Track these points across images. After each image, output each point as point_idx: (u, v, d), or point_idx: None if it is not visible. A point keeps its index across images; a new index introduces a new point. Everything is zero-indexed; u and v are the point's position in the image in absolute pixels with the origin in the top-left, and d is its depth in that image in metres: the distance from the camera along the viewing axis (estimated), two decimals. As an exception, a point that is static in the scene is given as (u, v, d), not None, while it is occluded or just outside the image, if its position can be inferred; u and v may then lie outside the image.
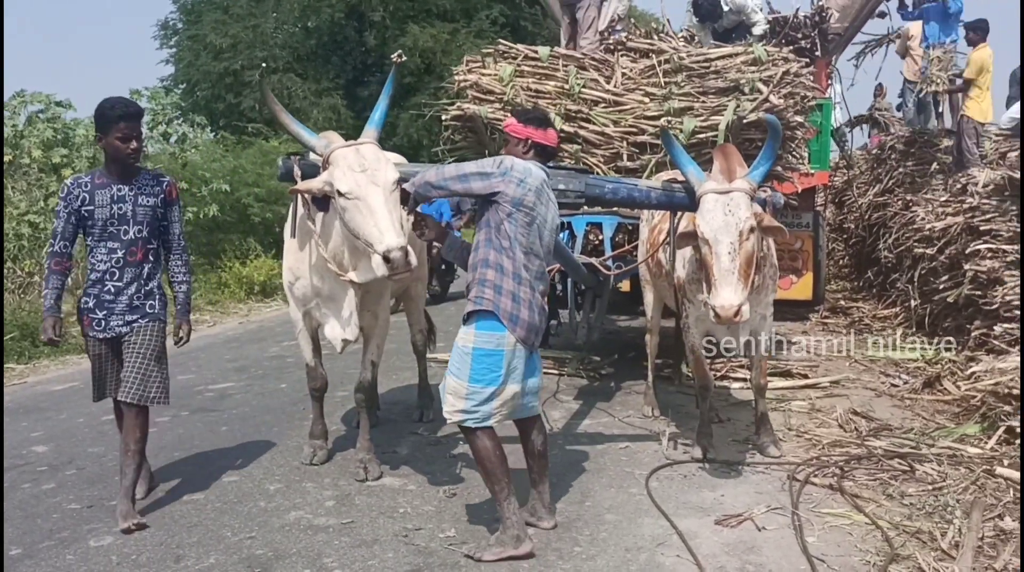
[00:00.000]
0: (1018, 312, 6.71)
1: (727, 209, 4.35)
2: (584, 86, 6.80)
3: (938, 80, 10.39)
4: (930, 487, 4.62)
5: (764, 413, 5.38)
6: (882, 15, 11.73)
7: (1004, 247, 7.27)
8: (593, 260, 6.19)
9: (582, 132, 6.73)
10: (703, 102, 6.57)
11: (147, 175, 4.42)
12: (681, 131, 6.36)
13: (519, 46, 7.23)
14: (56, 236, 4.27)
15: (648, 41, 7.51)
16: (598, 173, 6.39)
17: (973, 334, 7.09)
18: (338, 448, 5.46)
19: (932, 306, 8.26)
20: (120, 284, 4.28)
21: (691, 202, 4.64)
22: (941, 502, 4.35)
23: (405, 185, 4.11)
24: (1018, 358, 5.96)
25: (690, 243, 4.70)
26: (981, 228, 7.61)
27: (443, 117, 7.07)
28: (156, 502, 4.60)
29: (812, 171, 8.73)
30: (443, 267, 11.69)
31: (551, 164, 4.30)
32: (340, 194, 4.02)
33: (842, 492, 4.58)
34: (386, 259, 3.87)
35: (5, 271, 10.07)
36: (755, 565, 3.80)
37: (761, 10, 9.09)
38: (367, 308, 4.84)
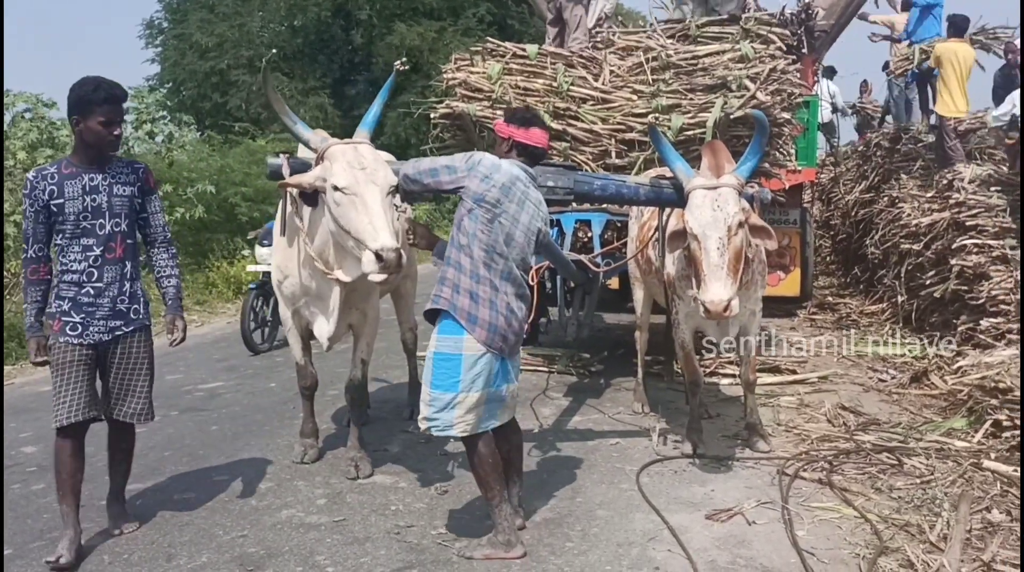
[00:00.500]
0: (1004, 306, 6.77)
1: (715, 204, 4.37)
2: (572, 84, 6.82)
3: (897, 69, 10.61)
4: (918, 480, 4.66)
5: (753, 408, 5.41)
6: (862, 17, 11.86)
7: (990, 242, 7.34)
8: (582, 257, 6.20)
9: (570, 130, 6.74)
10: (691, 99, 6.59)
11: (120, 163, 4.02)
12: (669, 128, 6.38)
13: (507, 44, 7.24)
14: (27, 240, 3.82)
15: (635, 38, 7.52)
16: (587, 170, 6.40)
17: (959, 329, 7.14)
18: (329, 446, 5.46)
19: (919, 301, 8.31)
20: (100, 285, 3.88)
21: (679, 198, 4.66)
22: (929, 495, 4.39)
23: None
24: (1005, 352, 6.02)
25: (681, 244, 4.70)
26: (967, 223, 7.68)
27: (431, 115, 7.07)
28: (147, 501, 4.59)
29: (799, 168, 8.76)
30: None
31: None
32: (336, 189, 4.00)
33: (831, 486, 4.61)
34: (379, 258, 3.87)
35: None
36: (745, 559, 3.82)
37: None
38: (356, 306, 4.84)
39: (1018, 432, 5.03)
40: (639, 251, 5.85)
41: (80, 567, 3.83)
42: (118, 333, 3.95)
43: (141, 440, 5.65)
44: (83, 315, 3.87)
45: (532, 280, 4.16)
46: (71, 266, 3.86)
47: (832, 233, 13.88)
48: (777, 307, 9.51)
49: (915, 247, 8.51)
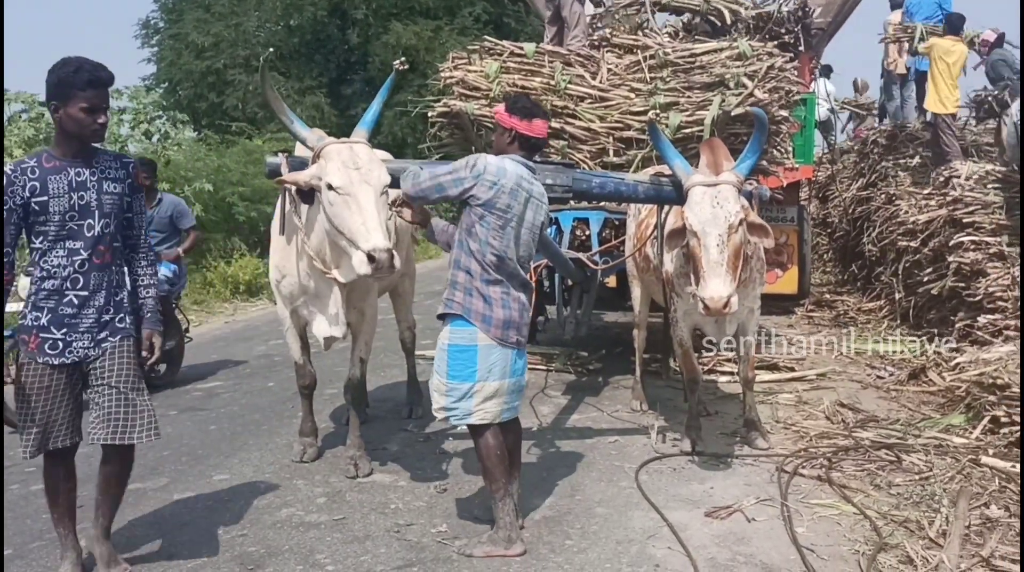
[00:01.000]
0: (1001, 303, 6.79)
1: (715, 201, 4.38)
2: (570, 82, 6.82)
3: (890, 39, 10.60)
4: (917, 477, 4.67)
5: (752, 406, 5.42)
6: None
7: (987, 239, 7.36)
8: (580, 255, 6.21)
9: (568, 128, 6.75)
10: (688, 97, 6.60)
11: (108, 156, 3.59)
12: (667, 126, 6.38)
13: (504, 42, 7.24)
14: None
15: (633, 37, 7.53)
16: (584, 168, 6.40)
17: (957, 326, 7.16)
18: (328, 445, 5.46)
19: (916, 298, 8.33)
20: (85, 293, 3.44)
21: (678, 195, 4.67)
22: (928, 491, 4.40)
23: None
24: (1002, 349, 6.03)
25: (680, 242, 4.70)
26: (964, 220, 7.69)
27: (429, 114, 7.07)
28: (147, 501, 4.59)
29: (796, 166, 8.78)
30: None
31: (538, 159, 4.29)
32: (330, 188, 4.00)
33: (830, 483, 4.62)
34: (371, 259, 3.87)
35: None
36: (745, 556, 3.83)
37: None
38: (354, 305, 4.84)
39: (1016, 428, 5.04)
40: (637, 249, 5.85)
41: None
42: (104, 344, 3.50)
43: (140, 440, 5.67)
44: (65, 329, 3.42)
45: (530, 279, 4.17)
46: (53, 272, 3.40)
47: (829, 231, 13.90)
48: (775, 305, 9.54)
49: (912, 244, 8.53)
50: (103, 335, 3.49)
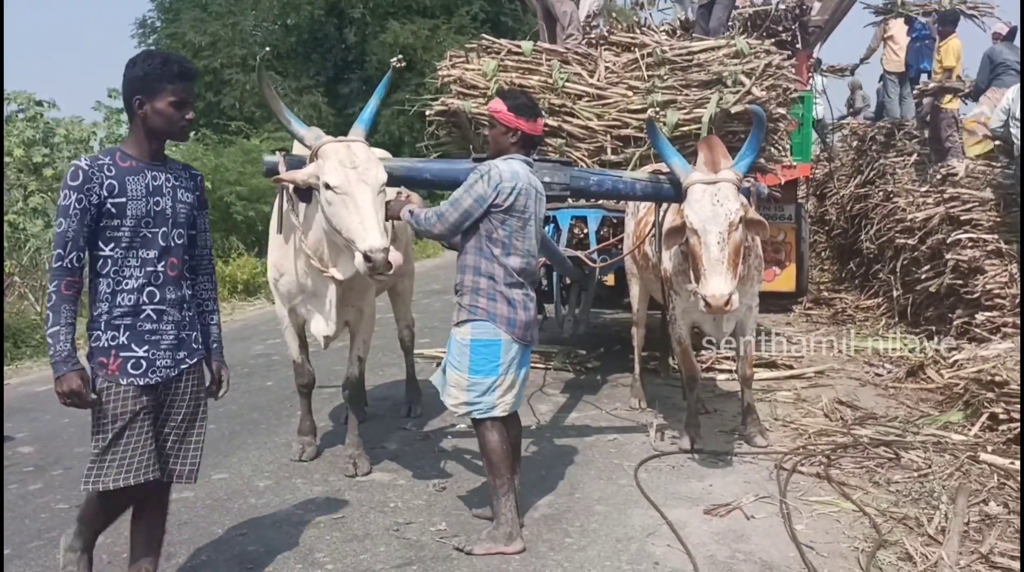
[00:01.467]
0: (999, 300, 6.79)
1: (715, 199, 4.37)
2: (568, 80, 6.80)
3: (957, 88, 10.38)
4: (915, 474, 4.67)
5: (751, 403, 5.42)
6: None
7: (984, 236, 7.36)
8: (579, 254, 6.21)
9: (566, 126, 6.73)
10: (686, 95, 6.59)
11: (178, 165, 3.31)
12: (665, 124, 6.38)
13: (502, 41, 7.23)
14: (65, 244, 2.96)
15: (630, 35, 7.52)
16: (582, 166, 6.40)
17: (955, 323, 7.16)
18: (327, 444, 5.46)
19: (914, 296, 8.33)
20: (162, 307, 3.13)
21: (676, 193, 4.67)
22: (927, 488, 4.41)
23: (407, 211, 4.12)
24: (1001, 346, 6.04)
25: (678, 240, 4.70)
26: (962, 218, 7.69)
27: (427, 113, 7.06)
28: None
29: (794, 163, 8.78)
30: None
31: (536, 157, 4.31)
32: (327, 187, 4.00)
33: (829, 480, 4.62)
34: (367, 258, 3.87)
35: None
36: (744, 553, 3.83)
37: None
38: (352, 304, 4.84)
39: (1014, 425, 5.05)
40: (635, 247, 5.85)
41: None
42: (183, 366, 3.21)
43: (138, 439, 5.67)
44: (147, 346, 3.09)
45: None
46: (126, 284, 3.07)
47: (827, 228, 13.91)
48: (773, 302, 9.54)
49: (910, 241, 8.54)
50: (181, 355, 3.21)
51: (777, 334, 8.26)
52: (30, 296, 10.42)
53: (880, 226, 9.85)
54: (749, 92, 6.33)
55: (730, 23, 8.80)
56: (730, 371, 6.93)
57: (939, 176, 8.66)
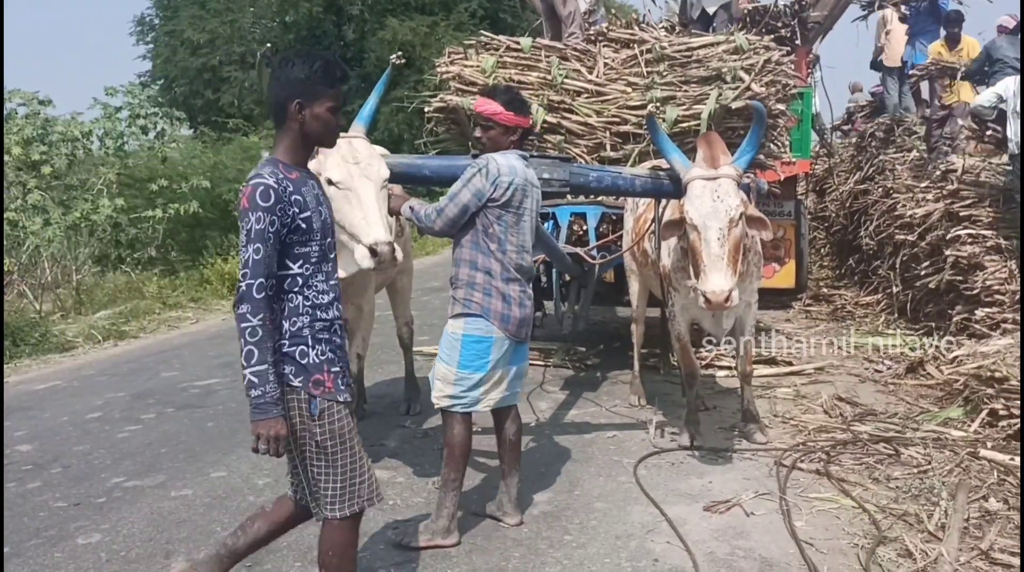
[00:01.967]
0: (999, 296, 6.78)
1: (715, 195, 4.36)
2: (566, 77, 6.80)
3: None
4: (915, 470, 4.66)
5: (750, 400, 5.41)
6: None
7: (984, 233, 7.35)
8: (578, 250, 6.20)
9: (565, 123, 6.73)
10: (685, 91, 6.58)
11: (307, 171, 3.03)
12: (664, 120, 6.37)
13: (501, 37, 7.22)
14: (258, 270, 2.66)
15: (629, 31, 7.51)
16: (581, 163, 6.39)
17: (955, 319, 7.16)
18: (326, 442, 5.44)
19: (914, 292, 8.33)
20: (341, 321, 2.95)
21: (676, 189, 4.65)
22: (927, 485, 4.40)
23: (408, 207, 4.12)
24: (1000, 342, 6.03)
25: (676, 233, 4.70)
26: (961, 214, 7.69)
27: (425, 109, 7.05)
28: (144, 499, 4.58)
29: (794, 159, 8.76)
30: None
31: (535, 154, 4.30)
32: (330, 183, 4.00)
33: (829, 477, 4.61)
34: (373, 252, 3.87)
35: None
36: (744, 550, 3.82)
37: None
38: (351, 301, 4.83)
39: (1014, 421, 5.04)
40: (635, 243, 5.84)
41: (76, 565, 3.81)
42: (349, 380, 3.00)
43: (137, 438, 5.69)
44: (342, 362, 2.91)
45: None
46: (319, 298, 2.85)
47: (827, 224, 13.90)
48: (772, 299, 9.51)
49: (910, 238, 8.53)
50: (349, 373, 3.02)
51: (777, 332, 8.25)
52: (29, 294, 10.42)
53: (880, 222, 9.84)
54: (748, 88, 6.32)
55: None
56: (730, 368, 6.92)
57: (939, 172, 8.65)
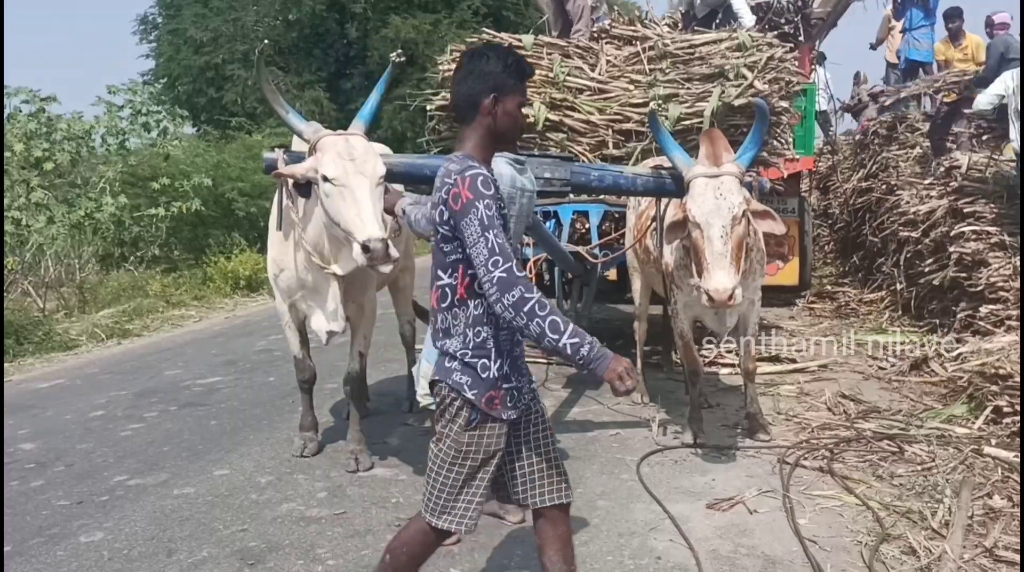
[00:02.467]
0: (1003, 293, 6.76)
1: (718, 192, 4.35)
2: (569, 74, 6.79)
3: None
4: (919, 467, 4.66)
5: (754, 397, 5.40)
6: None
7: (988, 229, 7.33)
8: (580, 249, 6.19)
9: (567, 120, 6.72)
10: (688, 88, 6.57)
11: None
12: (667, 118, 6.36)
13: (503, 35, 7.23)
14: (507, 253, 2.53)
15: (632, 28, 7.50)
16: (583, 161, 6.38)
17: (959, 316, 7.13)
18: (328, 440, 5.45)
19: (918, 289, 8.30)
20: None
21: (678, 188, 4.64)
22: (930, 482, 4.39)
23: (402, 208, 4.06)
24: (1004, 339, 6.01)
25: (680, 234, 4.67)
26: (965, 210, 7.67)
27: (428, 107, 7.05)
28: (147, 497, 4.58)
29: (797, 156, 8.75)
30: None
31: (536, 152, 4.28)
32: (325, 179, 3.99)
33: (832, 474, 4.61)
34: (365, 249, 3.86)
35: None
36: (747, 548, 3.82)
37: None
38: (352, 299, 4.83)
39: (1018, 418, 5.03)
40: (637, 241, 5.83)
41: (79, 563, 3.82)
42: (533, 386, 2.88)
43: (140, 436, 5.69)
44: (518, 375, 2.75)
45: (530, 272, 4.15)
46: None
47: (830, 222, 13.88)
48: (776, 296, 9.51)
49: (913, 235, 8.50)
50: (531, 377, 2.88)
51: (780, 329, 8.23)
52: (32, 292, 10.43)
53: (883, 219, 9.81)
54: (751, 85, 6.31)
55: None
56: (733, 365, 6.91)
57: (942, 169, 8.63)
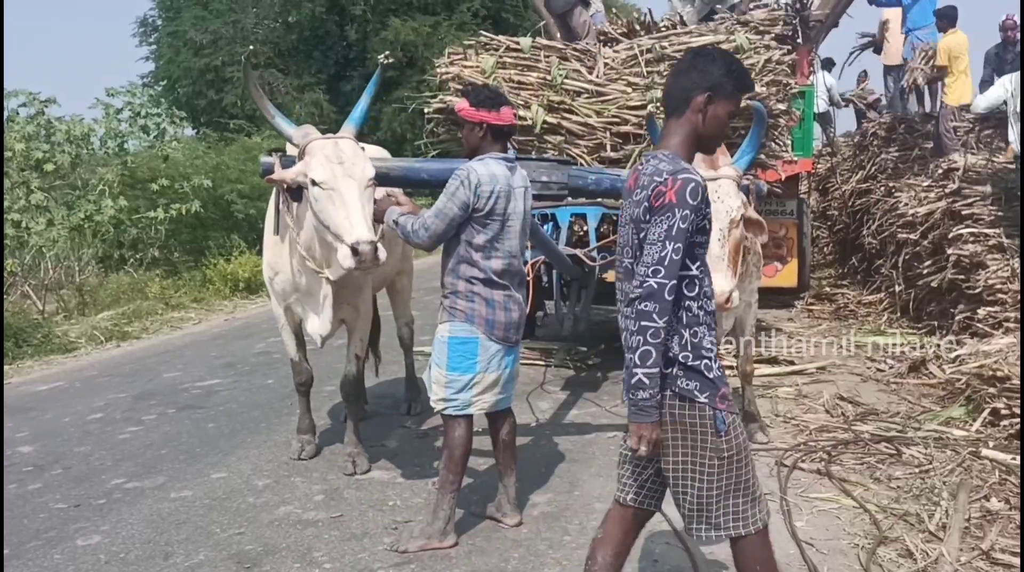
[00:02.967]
0: (1001, 295, 6.77)
1: (716, 195, 4.34)
2: (566, 77, 6.79)
3: (918, 70, 10.43)
4: (917, 470, 4.66)
5: (751, 400, 5.40)
6: None
7: (986, 231, 7.34)
8: (578, 251, 6.19)
9: (565, 123, 6.71)
10: (686, 91, 6.55)
11: None
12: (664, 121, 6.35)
13: (500, 37, 7.21)
14: (673, 271, 2.50)
15: (629, 30, 7.50)
16: (582, 164, 6.38)
17: (957, 318, 7.14)
18: (326, 442, 5.45)
19: (916, 291, 8.31)
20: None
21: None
22: (928, 484, 4.39)
23: (393, 218, 4.03)
24: (1002, 341, 6.01)
25: None
26: (963, 212, 7.67)
27: (426, 110, 7.05)
28: (144, 500, 4.58)
29: (795, 158, 8.74)
30: None
31: (534, 155, 4.28)
32: (314, 183, 4.00)
33: (830, 477, 4.61)
34: (355, 252, 3.87)
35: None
36: (744, 550, 3.81)
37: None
38: (347, 302, 4.83)
39: (1016, 420, 5.03)
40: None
41: (76, 567, 3.82)
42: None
43: (138, 439, 5.69)
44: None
45: (528, 274, 4.17)
46: (709, 306, 2.69)
47: (829, 224, 13.88)
48: (774, 298, 9.51)
49: (912, 237, 8.51)
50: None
51: (779, 330, 8.23)
52: (32, 295, 10.43)
53: (882, 221, 9.82)
54: (749, 88, 6.30)
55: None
56: (731, 367, 6.88)
57: (940, 171, 8.63)
